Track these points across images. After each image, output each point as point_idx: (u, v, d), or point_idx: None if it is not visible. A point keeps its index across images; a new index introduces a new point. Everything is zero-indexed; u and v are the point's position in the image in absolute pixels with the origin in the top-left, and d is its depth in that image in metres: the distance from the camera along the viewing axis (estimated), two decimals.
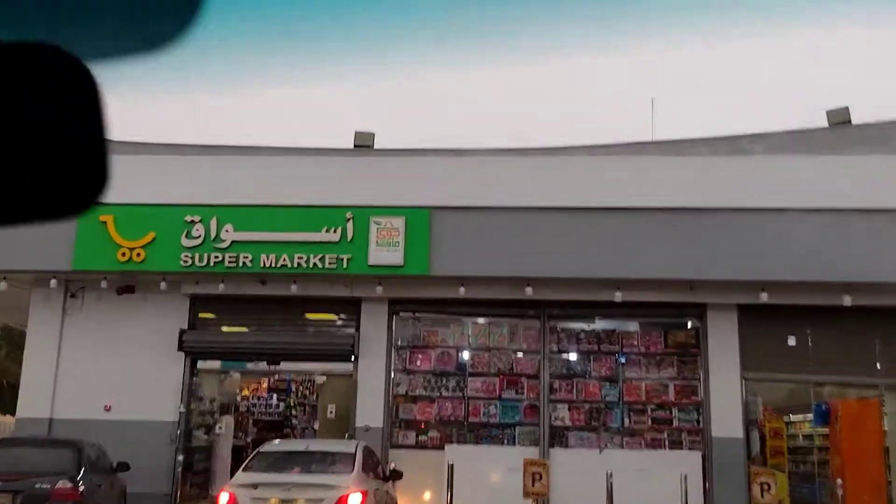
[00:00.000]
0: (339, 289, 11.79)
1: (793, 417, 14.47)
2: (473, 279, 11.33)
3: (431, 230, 11.30)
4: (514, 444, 11.65)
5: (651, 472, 11.04)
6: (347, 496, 7.19)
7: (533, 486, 10.25)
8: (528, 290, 11.27)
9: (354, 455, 7.99)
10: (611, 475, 10.12)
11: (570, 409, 11.76)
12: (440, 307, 12.18)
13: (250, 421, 13.70)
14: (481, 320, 12.42)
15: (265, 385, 13.17)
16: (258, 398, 13.18)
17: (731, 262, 10.95)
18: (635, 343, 12.01)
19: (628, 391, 11.79)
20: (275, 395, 13.69)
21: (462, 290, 11.32)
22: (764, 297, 10.94)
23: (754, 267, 10.91)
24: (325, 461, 8.13)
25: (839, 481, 9.39)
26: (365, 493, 7.42)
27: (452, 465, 9.95)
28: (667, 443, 11.51)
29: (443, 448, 11.42)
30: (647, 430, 11.66)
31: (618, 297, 11.18)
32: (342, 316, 12.28)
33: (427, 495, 11.12)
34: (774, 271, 10.86)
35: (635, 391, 11.76)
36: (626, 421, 11.64)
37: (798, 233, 11.06)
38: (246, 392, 13.82)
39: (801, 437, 14.49)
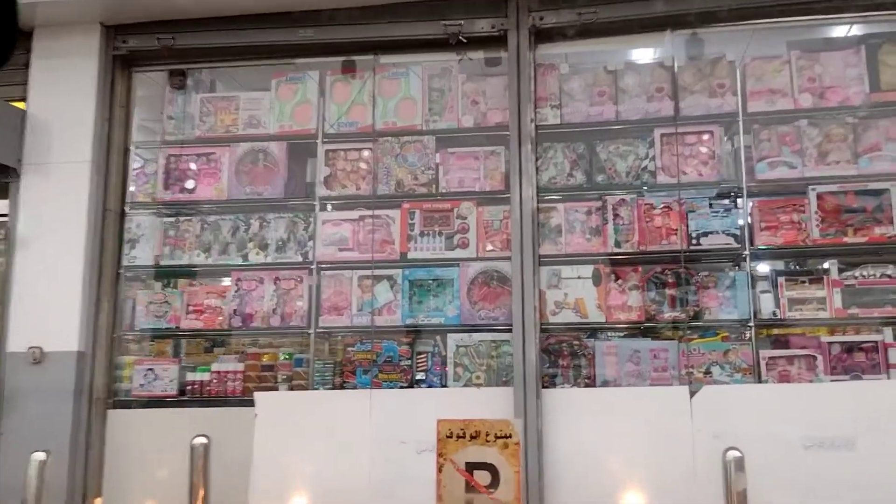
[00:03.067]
0: None
1: None
2: None
3: None
4: (440, 383, 4.92)
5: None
6: None
7: None
8: None
9: None
10: (738, 465, 3.56)
11: (599, 280, 4.86)
12: (236, 32, 5.26)
13: None
14: (353, 65, 5.36)
15: None
16: None
17: None
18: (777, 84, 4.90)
19: (767, 217, 4.79)
20: None
21: None
22: None
23: None
24: None
25: None
26: None
27: (202, 447, 3.27)
28: None
29: (248, 402, 4.85)
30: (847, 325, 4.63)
31: None
32: None
33: None
34: None
35: (780, 224, 4.71)
36: (773, 304, 4.66)
37: None
38: None
39: None
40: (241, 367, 5.04)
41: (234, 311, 5.13)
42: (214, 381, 5.05)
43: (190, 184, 5.32)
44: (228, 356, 5.13)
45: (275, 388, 4.99)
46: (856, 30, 5.00)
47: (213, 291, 5.19)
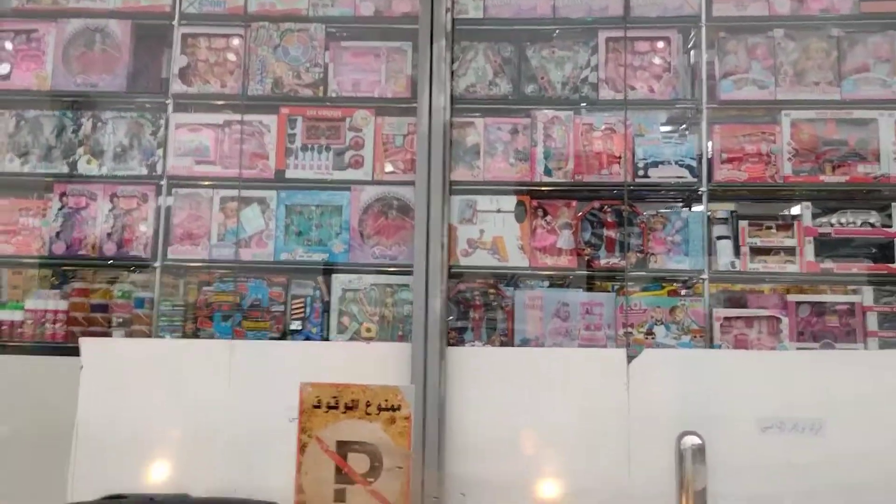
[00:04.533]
0: None
1: None
2: None
3: None
4: (320, 335, 4.14)
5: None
6: None
7: None
8: None
9: None
10: (697, 456, 2.93)
11: (524, 215, 4.14)
12: None
13: None
14: None
15: None
16: None
17: None
18: None
19: (730, 146, 4.12)
20: None
21: None
22: None
23: None
24: None
25: None
26: None
27: None
28: None
29: (72, 350, 3.94)
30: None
31: None
32: None
33: None
34: None
35: (746, 155, 4.06)
36: (731, 254, 4.02)
37: None
38: None
39: None
40: (63, 305, 4.09)
41: (57, 233, 4.15)
42: (29, 321, 4.09)
43: (4, 68, 4.25)
44: (48, 290, 4.16)
45: (108, 335, 4.07)
46: None
47: (29, 207, 4.20)
